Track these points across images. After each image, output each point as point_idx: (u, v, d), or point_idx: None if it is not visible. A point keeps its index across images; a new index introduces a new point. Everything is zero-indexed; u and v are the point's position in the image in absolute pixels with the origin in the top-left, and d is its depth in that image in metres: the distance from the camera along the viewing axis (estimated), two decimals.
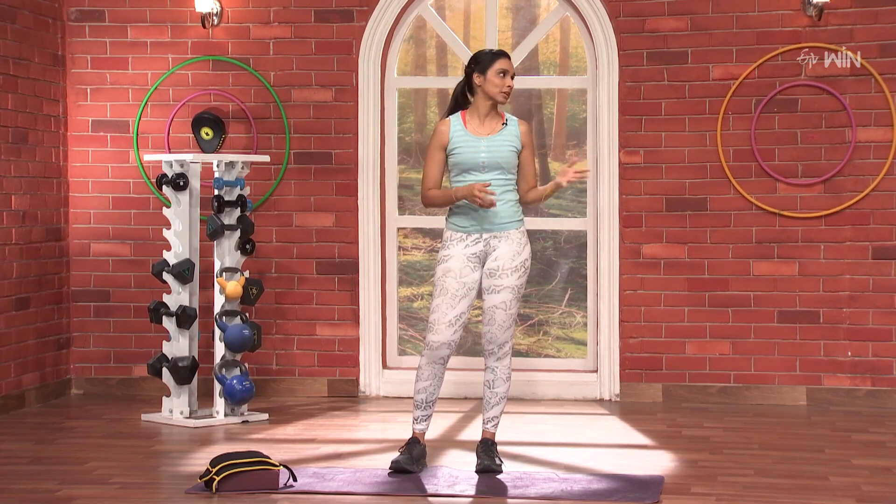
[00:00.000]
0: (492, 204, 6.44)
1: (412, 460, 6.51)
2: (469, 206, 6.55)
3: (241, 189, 8.26)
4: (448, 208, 6.66)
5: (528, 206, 6.75)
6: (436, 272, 6.60)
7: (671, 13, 8.80)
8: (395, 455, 6.65)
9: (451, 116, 6.68)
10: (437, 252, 6.73)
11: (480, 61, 6.60)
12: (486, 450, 6.59)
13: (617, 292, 8.87)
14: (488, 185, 6.45)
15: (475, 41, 9.33)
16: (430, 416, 6.63)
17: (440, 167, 6.64)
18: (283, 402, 8.86)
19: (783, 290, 8.72)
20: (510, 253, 6.55)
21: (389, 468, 6.51)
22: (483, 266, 6.58)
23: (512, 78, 6.61)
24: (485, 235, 6.55)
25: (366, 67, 9.04)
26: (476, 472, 6.53)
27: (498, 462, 6.56)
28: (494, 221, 6.55)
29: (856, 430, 7.81)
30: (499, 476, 6.46)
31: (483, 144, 6.56)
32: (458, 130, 6.60)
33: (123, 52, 9.16)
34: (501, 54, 6.63)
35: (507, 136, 6.61)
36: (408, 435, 6.82)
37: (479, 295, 6.63)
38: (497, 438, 6.77)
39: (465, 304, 6.55)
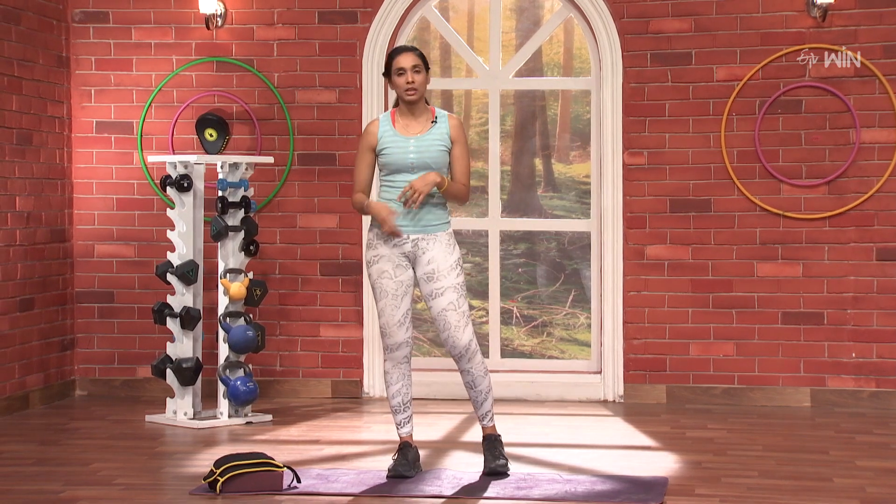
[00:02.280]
0: (395, 234, 6.31)
1: (409, 465, 6.45)
2: (397, 206, 6.35)
3: (244, 190, 8.27)
4: None
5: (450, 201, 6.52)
6: (370, 274, 6.46)
7: (675, 14, 8.80)
8: (389, 462, 6.60)
9: (380, 116, 6.53)
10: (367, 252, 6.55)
11: (386, 65, 6.42)
12: (492, 448, 6.54)
13: (621, 293, 8.87)
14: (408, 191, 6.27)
15: (479, 42, 9.33)
16: (410, 418, 6.59)
17: (370, 169, 6.48)
18: (286, 403, 8.86)
19: (787, 292, 8.72)
20: (442, 254, 6.40)
21: (387, 476, 6.44)
22: (414, 268, 6.45)
23: (417, 72, 6.35)
24: (412, 236, 6.40)
25: (369, 69, 9.04)
26: (483, 475, 6.50)
27: (503, 462, 6.51)
28: (421, 223, 6.39)
29: (860, 431, 7.81)
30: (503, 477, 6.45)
31: (412, 144, 6.39)
32: (387, 130, 6.43)
33: (127, 53, 9.17)
34: (398, 51, 6.40)
35: (437, 135, 6.41)
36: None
37: (418, 289, 6.50)
38: (502, 439, 6.75)
39: (407, 302, 6.45)
